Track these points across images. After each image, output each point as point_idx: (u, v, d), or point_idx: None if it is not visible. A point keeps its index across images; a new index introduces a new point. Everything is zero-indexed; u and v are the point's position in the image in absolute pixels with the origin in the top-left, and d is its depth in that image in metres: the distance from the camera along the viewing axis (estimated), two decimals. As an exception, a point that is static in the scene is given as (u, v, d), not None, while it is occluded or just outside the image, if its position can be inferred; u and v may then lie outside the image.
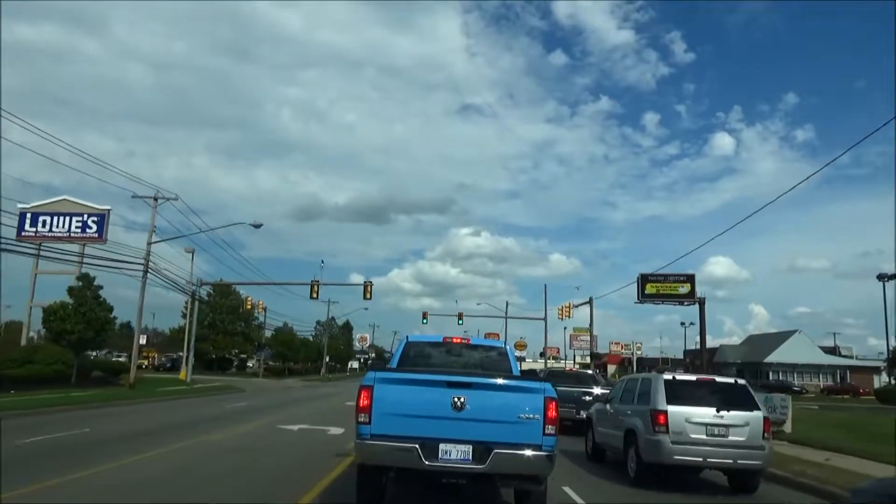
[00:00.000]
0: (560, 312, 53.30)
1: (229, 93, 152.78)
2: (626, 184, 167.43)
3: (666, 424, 9.76)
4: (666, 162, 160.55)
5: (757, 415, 9.96)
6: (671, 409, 9.85)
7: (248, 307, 54.56)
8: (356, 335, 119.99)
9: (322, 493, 8.08)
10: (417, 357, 8.92)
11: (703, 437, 9.70)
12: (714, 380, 10.82)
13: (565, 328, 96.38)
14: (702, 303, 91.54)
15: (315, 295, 43.66)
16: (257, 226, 36.07)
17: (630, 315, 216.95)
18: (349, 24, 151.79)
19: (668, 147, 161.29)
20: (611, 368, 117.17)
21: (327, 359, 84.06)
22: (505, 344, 10.04)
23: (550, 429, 6.25)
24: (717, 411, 9.84)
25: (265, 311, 62.23)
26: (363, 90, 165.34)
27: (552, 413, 6.27)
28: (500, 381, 6.52)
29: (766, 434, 9.88)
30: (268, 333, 79.36)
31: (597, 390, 17.51)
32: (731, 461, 9.69)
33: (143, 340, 40.59)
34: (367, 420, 6.22)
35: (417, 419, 6.21)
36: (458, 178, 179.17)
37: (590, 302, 46.77)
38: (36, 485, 7.74)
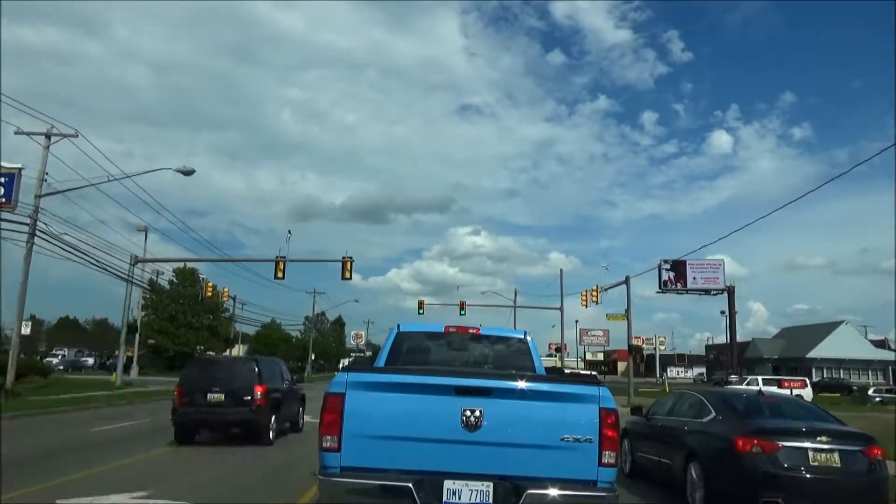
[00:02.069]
0: (584, 298, 44.15)
1: (230, 94, 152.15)
2: (626, 182, 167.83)
3: None
4: (664, 160, 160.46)
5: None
6: None
7: (209, 294, 45.32)
8: (351, 333, 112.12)
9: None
10: (412, 352, 7.13)
11: None
12: (579, 372, 19.42)
13: (577, 321, 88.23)
14: (731, 291, 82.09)
15: (281, 274, 34.57)
16: (187, 172, 26.91)
17: (632, 311, 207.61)
18: (350, 26, 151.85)
19: (666, 146, 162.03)
20: (621, 366, 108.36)
21: (313, 357, 75.07)
22: (525, 333, 7.60)
23: (609, 456, 4.34)
24: None
25: (234, 299, 53.02)
26: (364, 91, 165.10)
27: (611, 432, 4.35)
28: (533, 385, 4.51)
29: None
30: (250, 329, 70.71)
31: None
32: None
33: (26, 330, 31.29)
34: (335, 445, 4.30)
35: (411, 443, 4.33)
36: (458, 178, 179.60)
37: (626, 282, 37.54)
38: None
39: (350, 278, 34.85)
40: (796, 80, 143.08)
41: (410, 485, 4.27)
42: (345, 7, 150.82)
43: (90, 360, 69.30)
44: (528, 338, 7.59)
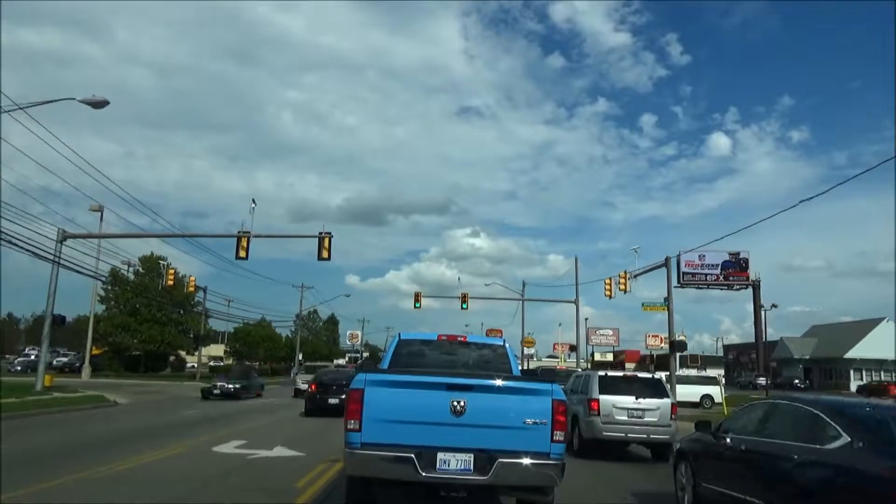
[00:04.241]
0: (608, 286, 37.79)
1: (231, 96, 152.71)
2: (625, 184, 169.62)
3: (598, 409, 12.34)
4: (664, 163, 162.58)
5: (666, 401, 12.66)
6: (602, 397, 12.44)
7: (171, 282, 38.85)
8: (347, 332, 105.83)
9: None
10: (411, 357, 8.42)
11: (626, 418, 12.37)
12: (637, 375, 14.30)
13: (586, 319, 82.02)
14: (756, 287, 75.33)
15: (243, 253, 28.17)
16: (97, 104, 20.43)
17: (628, 314, 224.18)
18: (350, 28, 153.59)
19: (665, 148, 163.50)
20: (629, 367, 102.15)
21: (301, 356, 68.53)
22: (504, 341, 9.12)
23: (559, 435, 5.74)
24: (636, 398, 12.51)
25: (203, 291, 46.45)
26: (364, 93, 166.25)
27: (561, 417, 5.75)
28: (503, 382, 5.96)
29: (673, 415, 12.51)
30: (236, 326, 64.25)
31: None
32: (645, 436, 12.48)
33: None
34: (357, 427, 5.67)
35: (413, 426, 5.68)
36: (457, 180, 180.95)
37: (666, 264, 31.11)
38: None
39: (328, 258, 28.42)
40: (794, 83, 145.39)
41: (413, 455, 5.58)
42: (345, 9, 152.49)
43: (65, 360, 63.57)
44: (506, 345, 8.92)
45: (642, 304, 31.97)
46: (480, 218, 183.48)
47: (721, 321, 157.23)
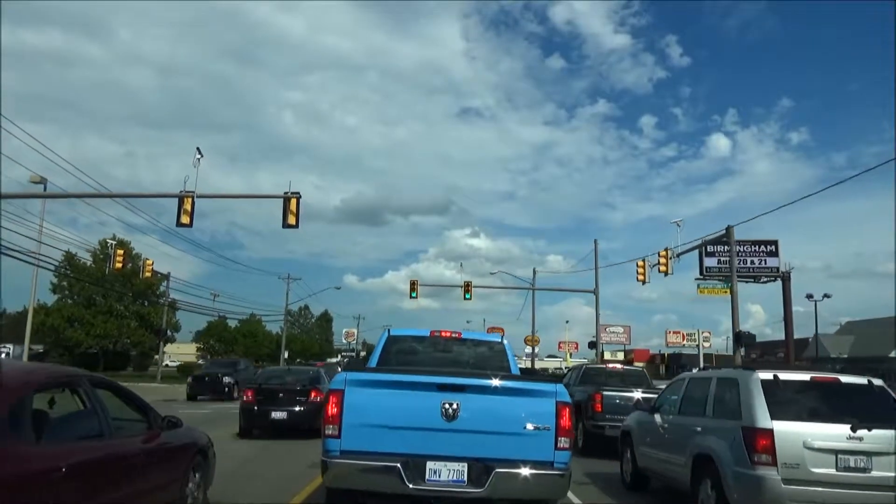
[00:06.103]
0: (641, 270, 31.53)
1: (231, 96, 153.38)
2: (625, 185, 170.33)
3: (772, 452, 5.83)
4: (663, 164, 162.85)
5: None
6: (779, 426, 5.92)
7: (119, 265, 32.54)
8: (342, 331, 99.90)
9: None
10: (401, 354, 8.11)
11: (833, 471, 5.80)
12: (838, 380, 6.49)
13: (598, 315, 76.15)
14: (786, 279, 68.52)
15: (187, 219, 22.01)
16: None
17: (626, 314, 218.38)
18: (351, 29, 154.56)
19: (665, 149, 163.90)
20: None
21: (286, 355, 62.33)
22: (502, 338, 8.71)
23: (564, 441, 5.21)
24: (853, 430, 5.87)
25: (167, 277, 40.04)
26: (364, 94, 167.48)
27: (566, 422, 5.24)
28: (501, 382, 5.39)
29: None
30: (225, 320, 58.01)
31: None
32: None
33: None
34: (336, 433, 5.16)
35: (399, 431, 5.15)
36: (457, 180, 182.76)
37: (727, 234, 24.79)
38: None
39: (296, 225, 22.29)
40: (793, 84, 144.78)
41: (398, 465, 5.01)
42: (345, 10, 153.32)
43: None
44: (504, 342, 8.44)
45: (698, 287, 25.61)
46: (480, 218, 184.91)
47: (720, 321, 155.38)
